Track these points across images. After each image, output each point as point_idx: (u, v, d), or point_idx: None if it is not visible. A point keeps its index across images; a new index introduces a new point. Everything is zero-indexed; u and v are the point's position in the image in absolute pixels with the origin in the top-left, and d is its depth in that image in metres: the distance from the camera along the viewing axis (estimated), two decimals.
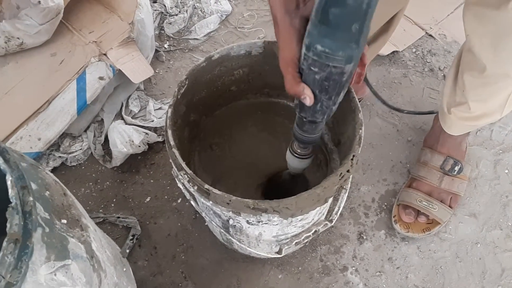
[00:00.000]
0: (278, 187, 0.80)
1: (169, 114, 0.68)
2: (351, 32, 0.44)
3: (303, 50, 0.48)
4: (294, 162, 0.67)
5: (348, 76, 0.49)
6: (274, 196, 0.67)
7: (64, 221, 0.52)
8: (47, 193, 0.50)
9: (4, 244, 0.41)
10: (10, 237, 0.41)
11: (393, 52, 1.19)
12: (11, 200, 0.43)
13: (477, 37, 0.73)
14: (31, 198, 0.45)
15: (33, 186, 0.47)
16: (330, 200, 0.71)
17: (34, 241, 0.43)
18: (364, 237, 0.96)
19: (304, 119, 0.58)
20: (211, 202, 0.63)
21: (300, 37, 0.49)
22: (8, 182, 0.44)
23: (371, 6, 0.42)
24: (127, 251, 0.91)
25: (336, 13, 0.43)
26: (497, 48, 0.70)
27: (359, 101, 0.96)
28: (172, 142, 0.66)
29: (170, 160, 0.67)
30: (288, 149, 0.67)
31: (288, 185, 0.78)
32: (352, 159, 0.65)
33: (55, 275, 0.46)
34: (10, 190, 0.44)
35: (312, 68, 0.49)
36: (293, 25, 0.49)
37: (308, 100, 0.51)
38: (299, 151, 0.65)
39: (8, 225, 0.42)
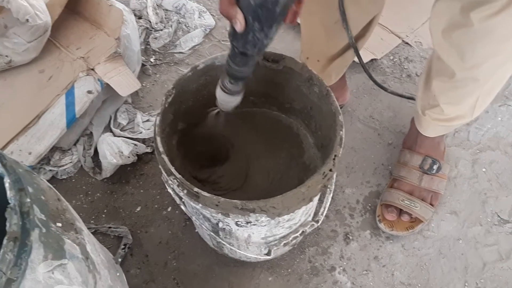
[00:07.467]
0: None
1: (157, 122, 0.71)
2: None
3: None
4: (223, 98, 0.68)
5: (281, 7, 0.51)
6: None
7: (59, 224, 0.54)
8: (42, 197, 0.52)
9: (5, 242, 0.43)
10: (10, 236, 0.43)
11: (372, 60, 1.24)
12: (9, 201, 0.46)
13: (445, 48, 0.75)
14: (28, 200, 0.47)
15: (30, 189, 0.50)
16: (315, 199, 0.74)
17: (32, 240, 0.45)
18: (350, 238, 0.99)
19: (236, 50, 0.59)
20: (200, 205, 0.65)
21: None
22: (6, 185, 0.46)
23: None
24: (119, 260, 0.92)
25: None
26: (465, 56, 0.72)
27: (341, 108, 0.99)
28: (161, 149, 0.68)
29: (160, 166, 0.69)
30: (218, 85, 0.67)
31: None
32: (334, 159, 0.69)
33: (52, 273, 0.48)
34: (8, 192, 0.46)
35: None
36: None
37: (239, 25, 0.53)
38: (229, 86, 0.66)
39: (7, 224, 0.44)
